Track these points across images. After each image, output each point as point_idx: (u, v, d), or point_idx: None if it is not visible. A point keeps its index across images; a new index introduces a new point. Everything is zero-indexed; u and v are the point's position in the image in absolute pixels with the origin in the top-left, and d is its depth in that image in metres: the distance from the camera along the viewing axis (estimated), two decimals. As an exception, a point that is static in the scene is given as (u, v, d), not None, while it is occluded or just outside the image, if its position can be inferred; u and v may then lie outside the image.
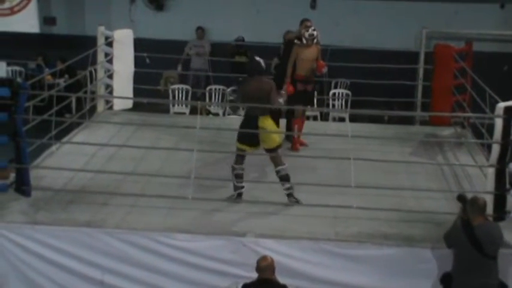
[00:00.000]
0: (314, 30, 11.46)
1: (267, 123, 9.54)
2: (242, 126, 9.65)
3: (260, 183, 9.86)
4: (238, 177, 9.57)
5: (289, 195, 9.49)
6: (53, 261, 8.72)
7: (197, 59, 18.00)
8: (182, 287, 8.71)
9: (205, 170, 10.28)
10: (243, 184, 9.58)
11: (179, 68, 17.81)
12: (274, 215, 9.07)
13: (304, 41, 11.48)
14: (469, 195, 8.46)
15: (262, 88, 9.57)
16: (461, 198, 8.14)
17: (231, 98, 9.47)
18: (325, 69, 11.99)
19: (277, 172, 9.54)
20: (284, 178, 9.49)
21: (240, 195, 9.56)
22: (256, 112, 9.50)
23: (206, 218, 9.00)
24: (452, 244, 8.06)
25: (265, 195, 9.33)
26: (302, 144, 11.90)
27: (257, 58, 9.84)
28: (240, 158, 9.64)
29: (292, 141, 11.80)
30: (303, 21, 11.81)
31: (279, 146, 9.64)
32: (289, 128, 12.08)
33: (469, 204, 7.95)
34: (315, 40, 11.55)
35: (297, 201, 9.45)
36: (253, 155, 11.05)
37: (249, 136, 9.51)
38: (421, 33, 18.26)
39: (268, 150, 9.60)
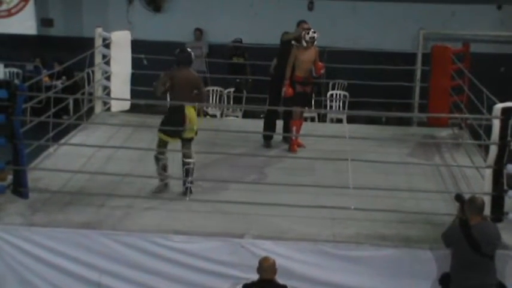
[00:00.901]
0: (314, 32, 11.46)
1: (191, 113, 9.61)
2: (168, 117, 9.76)
3: (257, 185, 9.84)
4: (164, 167, 9.73)
5: (188, 188, 9.59)
6: (50, 262, 8.70)
7: (195, 60, 17.93)
8: (179, 288, 8.72)
9: (202, 171, 10.28)
10: (167, 174, 9.76)
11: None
12: (273, 216, 9.05)
13: (305, 44, 11.47)
14: (467, 196, 8.47)
15: (190, 80, 9.72)
16: (459, 198, 8.15)
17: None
18: (323, 71, 11.99)
19: (184, 164, 9.63)
20: (189, 172, 9.61)
21: (166, 184, 9.78)
22: (183, 101, 9.59)
23: (204, 220, 9.00)
24: (450, 243, 8.06)
25: (264, 197, 9.31)
26: (299, 145, 11.90)
27: (189, 49, 10.03)
28: (162, 147, 9.78)
29: (290, 142, 11.80)
30: (300, 23, 11.80)
31: (193, 138, 9.75)
32: (286, 129, 12.08)
33: (467, 204, 7.95)
34: (315, 42, 11.56)
35: (190, 193, 9.57)
36: (253, 157, 11.10)
37: (175, 125, 9.59)
38: (418, 34, 18.29)
39: (186, 140, 9.69)
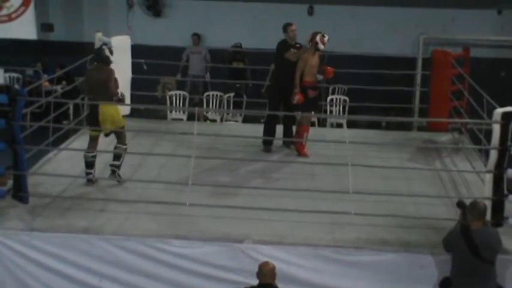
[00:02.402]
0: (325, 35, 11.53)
1: (106, 109, 9.86)
2: (89, 114, 10.13)
3: (258, 190, 9.83)
4: (88, 164, 10.05)
5: (113, 171, 10.08)
6: (50, 267, 8.71)
7: (195, 65, 17.99)
8: (179, 293, 8.72)
9: (202, 176, 10.28)
10: (92, 171, 10.08)
11: (178, 75, 17.82)
12: (272, 221, 9.05)
13: (322, 47, 11.49)
14: (468, 201, 8.45)
15: (100, 76, 9.93)
16: (460, 204, 8.13)
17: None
18: (332, 75, 12.02)
19: (115, 148, 10.14)
20: (117, 155, 10.08)
21: (90, 181, 10.09)
22: (97, 98, 9.89)
23: (204, 224, 8.99)
24: (450, 248, 8.04)
25: (264, 202, 9.31)
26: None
27: (103, 46, 10.30)
28: (91, 144, 10.14)
29: (299, 147, 11.78)
30: (287, 26, 11.86)
31: (123, 127, 10.15)
32: (287, 134, 12.07)
33: (468, 209, 7.92)
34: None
35: (119, 180, 10.03)
36: (253, 162, 11.09)
37: (95, 122, 9.93)
38: (418, 39, 18.31)
39: (115, 133, 10.12)
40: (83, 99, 14.07)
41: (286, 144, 12.07)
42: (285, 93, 11.68)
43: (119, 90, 10.29)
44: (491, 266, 7.83)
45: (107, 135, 10.27)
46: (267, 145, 11.95)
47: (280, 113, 11.95)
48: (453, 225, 8.19)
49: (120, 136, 10.10)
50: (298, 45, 11.80)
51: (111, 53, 10.10)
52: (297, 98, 11.44)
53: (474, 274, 7.77)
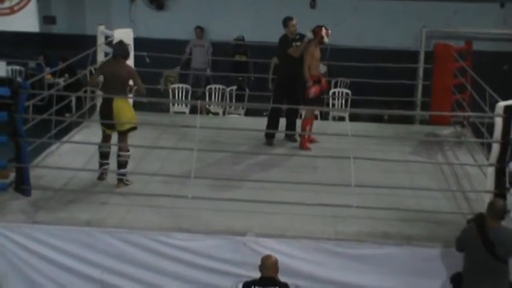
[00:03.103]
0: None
1: (121, 106, 9.66)
2: (101, 108, 9.90)
3: (260, 183, 9.84)
4: (102, 155, 9.90)
5: (120, 180, 9.85)
6: (52, 260, 8.73)
7: (197, 58, 17.99)
8: (182, 286, 8.72)
9: (205, 169, 10.29)
10: (108, 161, 9.94)
11: (177, 68, 17.83)
12: (275, 214, 9.06)
13: (327, 40, 11.53)
14: (471, 196, 8.46)
15: (121, 72, 9.71)
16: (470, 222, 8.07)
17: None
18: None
19: (118, 156, 9.79)
20: (122, 164, 9.77)
21: (102, 174, 9.96)
22: (113, 93, 9.64)
23: (206, 217, 9.00)
24: (464, 245, 7.95)
25: (266, 195, 9.31)
26: (312, 141, 11.96)
27: (126, 42, 10.09)
28: (104, 138, 9.97)
29: (302, 140, 11.81)
30: (288, 21, 11.88)
31: (130, 129, 9.83)
32: (290, 127, 12.08)
33: (487, 207, 7.87)
34: None
35: (128, 184, 9.86)
36: (255, 155, 11.10)
37: (106, 118, 9.73)
38: (421, 32, 18.30)
39: (120, 133, 9.81)
40: (85, 92, 14.13)
41: (288, 137, 12.07)
42: (289, 89, 11.72)
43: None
44: (505, 265, 7.76)
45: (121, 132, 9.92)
46: (270, 138, 11.95)
47: (284, 106, 11.93)
48: (465, 225, 8.13)
49: (124, 139, 9.83)
50: (298, 37, 11.82)
51: (121, 47, 9.94)
52: (313, 90, 11.50)
53: (487, 271, 7.72)
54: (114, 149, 9.95)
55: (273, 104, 12.23)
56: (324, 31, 11.53)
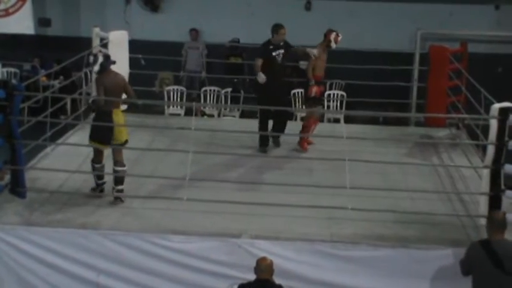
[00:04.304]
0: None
1: (119, 117, 9.46)
2: (98, 121, 9.50)
3: (255, 185, 9.84)
4: (100, 177, 9.65)
5: (117, 198, 9.51)
6: (48, 262, 8.72)
7: (192, 60, 18.01)
8: (177, 288, 8.73)
9: (200, 171, 10.29)
10: (104, 180, 9.69)
11: (181, 73, 17.86)
12: (270, 216, 9.06)
13: (334, 46, 11.69)
14: (466, 198, 8.44)
15: (117, 82, 9.51)
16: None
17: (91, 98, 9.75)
18: None
19: (115, 171, 9.52)
20: (119, 180, 9.51)
21: (100, 188, 9.69)
22: (109, 107, 9.36)
23: (201, 220, 9.00)
24: (470, 265, 7.72)
25: (261, 197, 9.32)
26: (310, 143, 11.99)
27: (107, 53, 9.96)
28: (97, 155, 9.64)
29: (301, 140, 11.83)
30: (278, 29, 11.67)
31: (127, 141, 9.61)
32: (279, 130, 11.95)
33: (487, 221, 7.78)
34: None
35: (121, 201, 9.51)
36: (250, 157, 11.10)
37: (101, 132, 9.44)
38: (415, 34, 18.32)
39: (117, 146, 9.52)
40: (80, 94, 14.12)
41: (276, 143, 11.98)
42: (273, 93, 11.53)
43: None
44: None
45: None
46: (264, 146, 11.77)
47: (283, 108, 11.88)
48: (469, 244, 7.94)
49: (120, 153, 9.54)
50: (282, 44, 11.68)
51: (108, 57, 9.65)
52: (314, 90, 11.54)
53: (496, 287, 7.53)
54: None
55: (260, 110, 11.90)
56: (332, 36, 11.56)
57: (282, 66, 11.83)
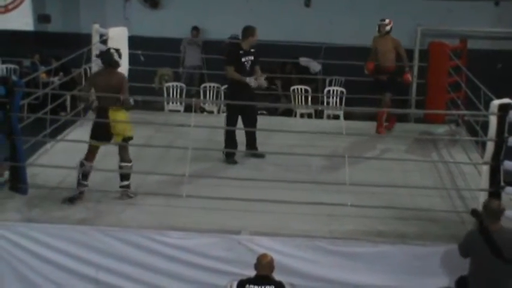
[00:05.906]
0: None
1: (117, 115, 9.35)
2: (96, 124, 9.46)
3: (254, 181, 9.84)
4: (84, 175, 9.41)
5: (124, 192, 9.52)
6: (47, 258, 8.72)
7: (191, 56, 18.00)
8: (177, 284, 8.71)
9: (199, 167, 10.29)
10: (87, 182, 9.44)
11: (180, 69, 17.84)
12: (269, 212, 9.06)
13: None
14: (466, 194, 8.44)
15: (110, 82, 9.30)
16: (474, 213, 7.95)
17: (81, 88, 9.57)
18: None
19: (120, 167, 9.51)
20: (125, 176, 9.50)
21: (81, 193, 9.40)
22: (106, 104, 9.28)
23: (201, 216, 9.00)
24: (469, 251, 7.78)
25: (261, 193, 9.32)
26: (387, 127, 12.89)
27: (111, 49, 9.62)
28: (89, 153, 9.51)
29: (379, 125, 12.76)
30: (254, 31, 11.27)
31: (130, 138, 9.53)
32: (251, 142, 11.48)
33: (483, 210, 7.75)
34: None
35: (131, 196, 9.49)
36: (248, 154, 11.08)
37: (98, 130, 9.40)
38: (415, 30, 18.29)
39: (121, 142, 9.47)
40: (79, 90, 14.11)
41: (254, 154, 11.43)
42: (243, 107, 11.00)
43: (131, 97, 9.58)
44: None
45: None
46: (230, 157, 11.15)
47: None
48: (468, 231, 8.00)
49: (124, 150, 9.54)
50: (253, 51, 11.23)
51: (120, 56, 9.51)
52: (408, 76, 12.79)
53: (495, 274, 7.58)
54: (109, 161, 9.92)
55: (228, 120, 11.21)
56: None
57: (250, 75, 11.08)
